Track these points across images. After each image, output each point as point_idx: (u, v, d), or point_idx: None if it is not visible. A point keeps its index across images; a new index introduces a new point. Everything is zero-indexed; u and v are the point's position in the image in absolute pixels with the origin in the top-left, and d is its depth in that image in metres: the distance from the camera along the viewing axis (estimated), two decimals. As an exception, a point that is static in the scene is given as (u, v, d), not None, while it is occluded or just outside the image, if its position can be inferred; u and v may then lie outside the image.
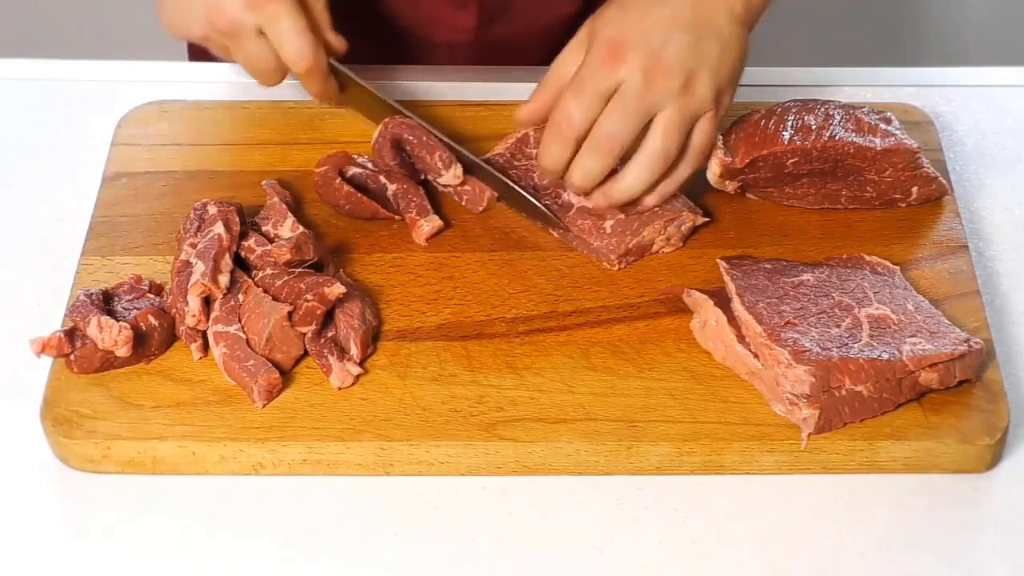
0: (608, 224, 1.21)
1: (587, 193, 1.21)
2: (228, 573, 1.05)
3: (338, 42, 1.27)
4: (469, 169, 1.25)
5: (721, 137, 1.23)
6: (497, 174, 1.24)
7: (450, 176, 1.23)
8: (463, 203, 1.25)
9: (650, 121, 1.17)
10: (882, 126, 1.22)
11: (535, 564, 1.06)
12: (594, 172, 1.18)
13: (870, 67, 1.43)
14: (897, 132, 1.22)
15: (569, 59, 1.21)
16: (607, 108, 1.16)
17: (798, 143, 1.21)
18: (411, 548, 1.06)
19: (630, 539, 1.07)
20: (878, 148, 1.21)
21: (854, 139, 1.21)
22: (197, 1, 1.22)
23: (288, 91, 1.26)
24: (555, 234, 1.22)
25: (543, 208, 1.21)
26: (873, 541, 1.07)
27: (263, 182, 1.24)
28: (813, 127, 1.21)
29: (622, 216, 1.21)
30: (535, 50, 1.47)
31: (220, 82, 1.38)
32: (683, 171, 1.20)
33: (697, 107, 1.17)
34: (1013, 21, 2.60)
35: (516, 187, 1.23)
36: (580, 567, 1.06)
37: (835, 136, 1.21)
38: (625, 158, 1.18)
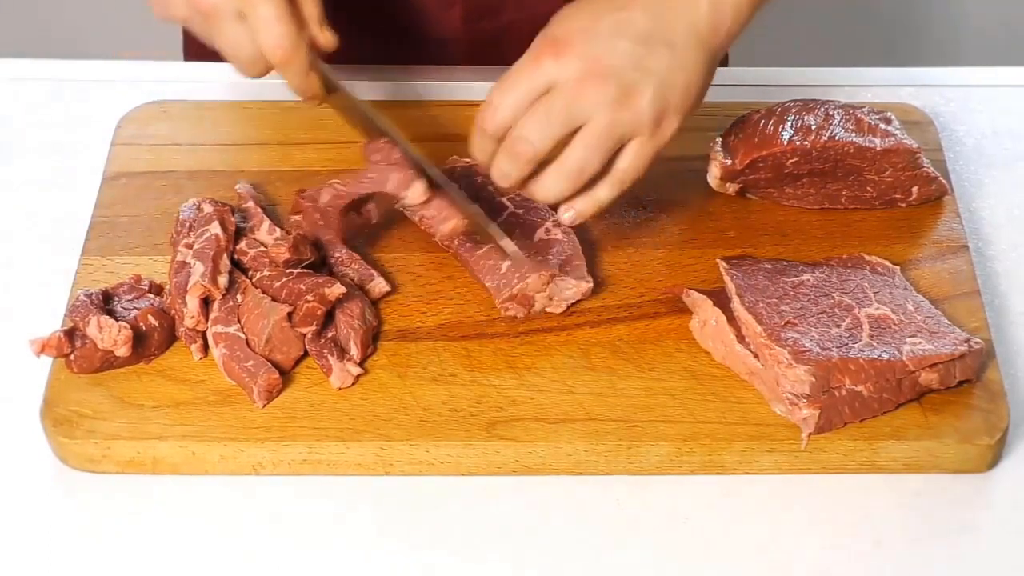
0: (504, 265, 1.17)
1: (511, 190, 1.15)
2: (228, 573, 1.05)
3: (327, 38, 1.19)
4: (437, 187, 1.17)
5: (720, 139, 1.23)
6: (468, 201, 1.16)
7: (413, 195, 1.16)
8: (428, 229, 1.19)
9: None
10: (882, 126, 1.22)
11: (535, 564, 1.06)
12: (508, 175, 1.12)
13: (870, 67, 1.43)
14: (897, 132, 1.22)
15: None
16: (530, 111, 1.10)
17: (798, 143, 1.21)
18: (411, 548, 1.06)
19: (630, 539, 1.07)
20: (878, 148, 1.21)
21: (854, 139, 1.21)
22: None
23: (288, 91, 1.26)
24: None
25: (514, 248, 1.14)
26: (873, 541, 1.07)
27: (236, 185, 1.24)
28: (813, 127, 1.21)
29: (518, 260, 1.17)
30: (525, 46, 1.46)
31: (220, 82, 1.37)
32: (603, 193, 1.13)
33: (630, 125, 1.09)
34: (1013, 21, 2.60)
35: (488, 219, 1.15)
36: (580, 567, 1.06)
37: (835, 136, 1.21)
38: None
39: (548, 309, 1.17)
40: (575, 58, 1.09)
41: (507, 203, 1.22)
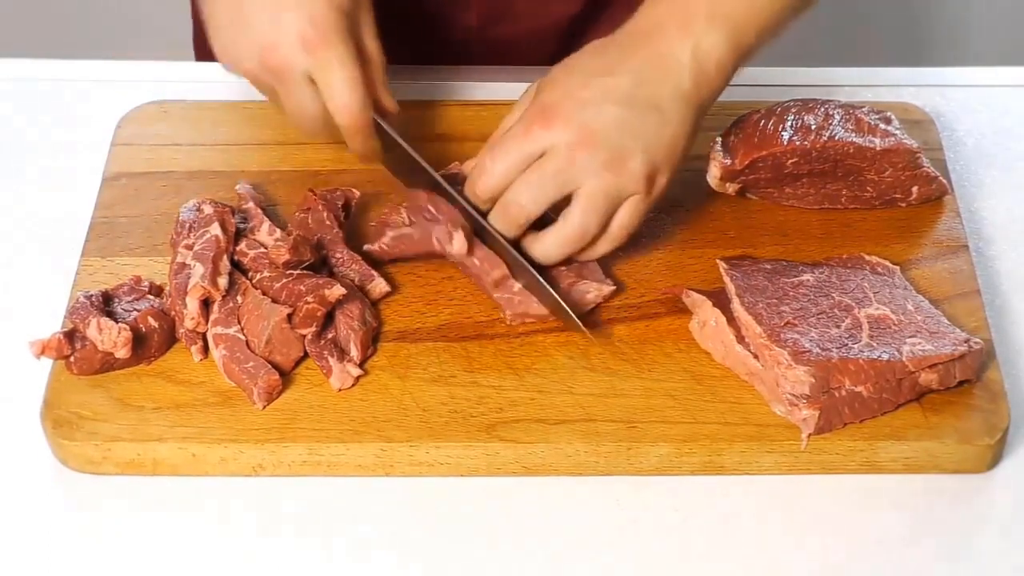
0: (517, 285, 1.16)
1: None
2: (228, 573, 1.06)
3: (390, 103, 1.22)
4: (482, 238, 1.17)
5: (720, 139, 1.23)
6: (514, 252, 1.16)
7: (455, 247, 1.16)
8: (470, 276, 1.19)
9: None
10: (882, 126, 1.22)
11: (535, 564, 1.06)
12: (503, 232, 1.15)
13: (870, 67, 1.43)
14: (897, 132, 1.22)
15: (513, 118, 1.18)
16: (523, 175, 1.13)
17: (798, 143, 1.21)
18: (411, 549, 1.06)
19: (630, 539, 1.07)
20: (878, 148, 1.21)
21: (854, 139, 1.21)
22: (252, 35, 1.17)
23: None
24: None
25: (559, 300, 1.14)
26: (873, 541, 1.07)
27: (236, 186, 1.24)
28: (813, 127, 1.21)
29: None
30: (538, 50, 1.46)
31: (221, 82, 1.37)
32: (601, 247, 1.16)
33: (624, 187, 1.13)
34: (1013, 21, 2.60)
35: (533, 271, 1.15)
36: (580, 567, 1.06)
37: (835, 136, 1.21)
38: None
39: None
40: (564, 127, 1.12)
41: None
